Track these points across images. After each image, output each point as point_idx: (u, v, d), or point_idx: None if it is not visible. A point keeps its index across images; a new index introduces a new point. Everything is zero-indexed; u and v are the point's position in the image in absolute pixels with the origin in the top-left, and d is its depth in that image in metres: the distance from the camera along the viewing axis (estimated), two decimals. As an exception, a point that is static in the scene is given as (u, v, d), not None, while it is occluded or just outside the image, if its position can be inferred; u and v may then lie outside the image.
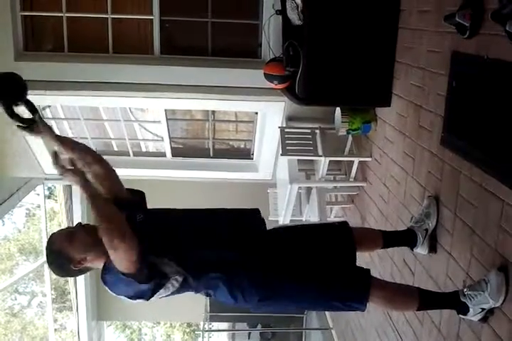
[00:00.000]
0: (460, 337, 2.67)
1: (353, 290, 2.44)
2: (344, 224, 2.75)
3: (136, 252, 2.13)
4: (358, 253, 2.64)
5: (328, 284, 2.43)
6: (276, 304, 2.45)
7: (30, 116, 2.24)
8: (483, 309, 2.37)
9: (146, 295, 2.24)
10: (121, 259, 2.13)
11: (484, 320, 2.41)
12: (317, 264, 2.48)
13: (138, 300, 2.28)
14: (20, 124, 2.23)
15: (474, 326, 2.51)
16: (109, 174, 2.45)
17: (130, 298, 2.26)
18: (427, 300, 2.55)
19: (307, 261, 2.48)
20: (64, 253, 2.25)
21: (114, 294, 2.28)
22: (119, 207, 2.22)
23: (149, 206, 2.62)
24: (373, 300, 2.44)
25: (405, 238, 2.99)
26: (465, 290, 2.44)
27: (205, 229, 2.45)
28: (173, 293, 2.34)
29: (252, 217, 2.60)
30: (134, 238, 2.13)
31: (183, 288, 2.33)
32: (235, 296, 2.37)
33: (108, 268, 2.22)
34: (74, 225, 2.39)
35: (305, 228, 2.81)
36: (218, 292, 2.38)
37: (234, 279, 2.34)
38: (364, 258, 4.26)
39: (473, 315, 2.41)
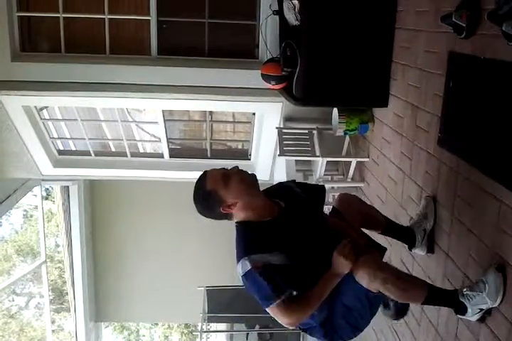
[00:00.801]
0: (458, 338, 2.66)
1: None
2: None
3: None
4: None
5: None
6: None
7: None
8: (481, 309, 2.36)
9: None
10: (274, 316, 2.21)
11: (482, 320, 2.41)
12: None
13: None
14: None
15: (472, 326, 2.51)
16: None
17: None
18: (433, 295, 2.46)
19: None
20: (217, 193, 2.21)
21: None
22: None
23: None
24: (386, 286, 2.29)
25: (405, 234, 2.98)
26: (464, 290, 2.43)
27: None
28: None
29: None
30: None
31: None
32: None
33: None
34: (229, 168, 2.31)
35: None
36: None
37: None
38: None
39: (471, 316, 2.41)
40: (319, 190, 2.61)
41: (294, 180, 2.64)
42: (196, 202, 2.28)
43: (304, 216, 2.37)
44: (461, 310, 2.42)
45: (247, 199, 2.24)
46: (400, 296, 2.43)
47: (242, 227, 2.29)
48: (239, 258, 2.20)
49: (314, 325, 2.39)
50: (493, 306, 2.31)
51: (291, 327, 2.25)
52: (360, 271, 2.26)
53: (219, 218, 2.31)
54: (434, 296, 2.50)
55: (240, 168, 2.33)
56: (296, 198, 2.45)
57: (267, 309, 2.19)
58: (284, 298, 2.16)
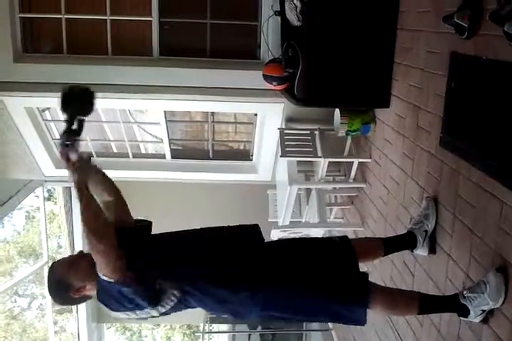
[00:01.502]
0: (460, 338, 2.66)
1: (354, 291, 2.43)
2: (344, 238, 2.74)
3: (114, 255, 2.16)
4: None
5: (328, 289, 2.43)
6: (277, 312, 2.43)
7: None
8: (483, 311, 2.36)
9: (145, 301, 2.23)
10: (103, 263, 2.17)
11: (485, 321, 2.41)
12: (316, 272, 2.47)
13: (139, 312, 2.27)
14: (67, 135, 2.27)
15: (474, 327, 2.51)
16: (120, 204, 2.55)
17: (130, 309, 2.26)
18: (427, 304, 2.54)
19: (307, 270, 2.47)
20: (64, 280, 2.29)
21: (115, 311, 2.29)
22: (122, 232, 2.28)
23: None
24: (374, 305, 2.43)
25: (405, 242, 2.98)
26: (465, 292, 2.43)
27: (207, 246, 2.46)
28: (173, 309, 2.33)
29: (252, 233, 2.60)
30: (113, 241, 2.17)
31: (182, 303, 2.33)
32: (235, 311, 2.39)
33: (100, 285, 2.25)
34: (75, 254, 2.43)
35: (304, 240, 2.81)
36: (215, 306, 2.39)
37: (238, 292, 2.34)
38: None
39: (474, 317, 2.41)
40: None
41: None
42: (50, 293, 2.40)
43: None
44: (464, 312, 2.43)
45: (95, 279, 2.27)
46: (391, 312, 2.50)
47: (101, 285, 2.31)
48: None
49: None
50: (495, 307, 2.31)
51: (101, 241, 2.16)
52: (378, 302, 2.45)
53: (77, 302, 2.45)
54: (430, 306, 2.57)
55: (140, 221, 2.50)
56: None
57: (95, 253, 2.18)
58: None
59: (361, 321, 2.44)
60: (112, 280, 2.18)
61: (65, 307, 2.49)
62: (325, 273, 2.47)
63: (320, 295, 2.41)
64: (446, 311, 2.65)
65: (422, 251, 2.97)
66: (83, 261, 2.32)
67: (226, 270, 2.36)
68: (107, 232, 2.20)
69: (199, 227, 2.60)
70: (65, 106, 2.29)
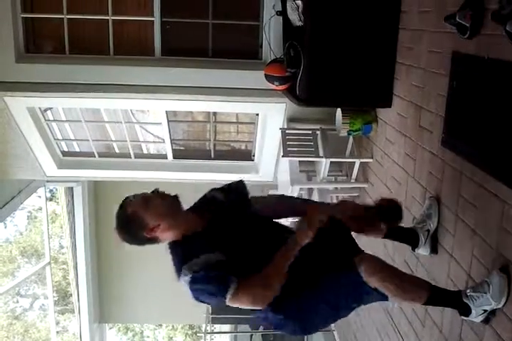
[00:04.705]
0: (462, 339, 2.66)
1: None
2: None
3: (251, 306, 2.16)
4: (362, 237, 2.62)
5: (337, 275, 2.33)
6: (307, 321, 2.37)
7: None
8: (485, 310, 2.36)
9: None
10: (250, 297, 2.13)
11: (486, 321, 2.40)
12: (319, 264, 2.40)
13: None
14: None
15: (476, 327, 2.51)
16: None
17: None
18: (435, 295, 2.46)
19: (312, 267, 2.36)
20: (138, 218, 2.18)
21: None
22: None
23: None
24: (385, 284, 2.30)
25: (408, 236, 2.97)
26: (467, 291, 2.42)
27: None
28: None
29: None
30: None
31: None
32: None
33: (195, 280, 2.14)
34: (150, 192, 2.30)
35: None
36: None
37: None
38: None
39: (476, 317, 2.40)
40: (238, 187, 2.56)
41: (214, 188, 2.59)
42: (118, 229, 2.24)
43: (231, 219, 2.35)
44: (465, 311, 2.42)
45: (169, 220, 2.21)
46: (399, 296, 2.42)
47: (174, 245, 2.27)
48: (178, 272, 2.17)
49: (282, 321, 2.33)
50: (498, 307, 2.31)
51: (263, 306, 2.12)
52: (365, 263, 2.28)
53: (144, 243, 2.29)
54: (437, 297, 2.50)
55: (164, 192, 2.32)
56: (219, 206, 2.44)
57: (229, 303, 2.12)
58: (234, 283, 2.09)
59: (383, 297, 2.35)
60: (227, 296, 2.10)
61: (134, 245, 2.35)
62: (329, 264, 2.37)
63: (333, 285, 2.33)
64: (448, 306, 2.61)
65: (423, 251, 2.97)
66: (159, 199, 2.25)
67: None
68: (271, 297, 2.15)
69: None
70: None
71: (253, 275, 2.14)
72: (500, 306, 2.29)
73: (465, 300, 2.41)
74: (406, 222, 3.45)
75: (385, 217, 2.59)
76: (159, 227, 2.20)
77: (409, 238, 2.97)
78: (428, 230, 2.93)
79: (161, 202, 2.24)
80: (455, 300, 2.47)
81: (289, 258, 2.19)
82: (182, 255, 2.19)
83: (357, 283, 2.30)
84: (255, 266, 2.18)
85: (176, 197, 2.30)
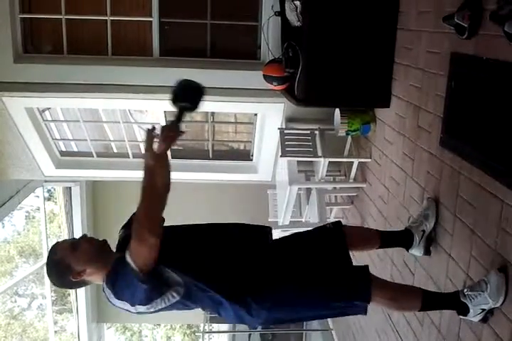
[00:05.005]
0: (460, 338, 2.66)
1: (355, 287, 2.42)
2: (337, 224, 2.72)
3: (157, 251, 2.13)
4: (355, 253, 2.65)
5: (328, 286, 2.42)
6: (279, 314, 2.42)
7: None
8: (483, 310, 2.37)
9: (144, 299, 2.20)
10: (142, 254, 2.12)
11: (484, 320, 2.41)
12: (314, 269, 2.46)
13: (137, 307, 2.24)
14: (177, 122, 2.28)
15: (475, 327, 2.51)
16: None
17: (130, 301, 2.22)
18: (429, 300, 2.54)
19: (304, 268, 2.46)
20: (65, 262, 2.25)
21: (116, 300, 2.25)
22: None
23: None
24: (376, 299, 2.41)
25: (402, 238, 2.98)
26: (465, 290, 2.44)
27: (217, 244, 2.44)
28: (172, 306, 2.28)
29: (261, 236, 2.59)
30: (160, 238, 2.13)
31: (183, 302, 2.29)
32: (239, 314, 2.35)
33: (109, 277, 2.22)
34: (78, 237, 2.38)
35: (298, 236, 2.78)
36: (223, 308, 2.35)
37: (240, 295, 2.32)
38: (363, 259, 4.26)
39: (474, 316, 2.41)
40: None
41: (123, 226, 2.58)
42: (49, 275, 2.33)
43: None
44: (464, 310, 2.44)
45: (96, 265, 2.26)
46: (394, 308, 2.50)
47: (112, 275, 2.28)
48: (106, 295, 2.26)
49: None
50: (495, 306, 2.31)
51: (154, 234, 2.09)
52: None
53: (72, 286, 2.38)
54: (432, 302, 2.57)
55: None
56: None
57: (136, 264, 2.12)
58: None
59: (362, 312, 2.45)
60: (136, 269, 2.12)
61: (62, 289, 2.43)
62: (324, 271, 2.46)
63: (321, 293, 2.41)
64: (446, 308, 2.66)
65: (417, 251, 2.96)
66: (86, 244, 2.29)
67: (237, 274, 2.34)
68: (161, 228, 2.16)
69: (209, 222, 2.57)
70: (183, 96, 2.30)
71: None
72: (498, 305, 2.30)
73: (463, 300, 2.42)
74: (404, 223, 3.46)
75: None
76: (85, 272, 2.26)
77: (403, 239, 2.97)
78: (423, 230, 2.92)
79: (88, 247, 2.29)
80: (451, 302, 2.50)
81: (147, 177, 2.16)
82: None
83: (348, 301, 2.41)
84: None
85: (104, 241, 2.35)
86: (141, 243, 2.10)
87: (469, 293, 2.40)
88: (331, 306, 2.43)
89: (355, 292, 2.41)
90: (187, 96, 2.30)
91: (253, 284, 2.34)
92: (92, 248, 2.28)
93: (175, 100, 2.28)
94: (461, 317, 2.50)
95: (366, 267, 2.50)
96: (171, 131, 2.23)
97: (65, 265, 2.24)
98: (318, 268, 2.47)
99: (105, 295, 2.27)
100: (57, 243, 2.35)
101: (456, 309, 2.50)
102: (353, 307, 2.43)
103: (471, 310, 2.40)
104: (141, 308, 2.25)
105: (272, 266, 2.43)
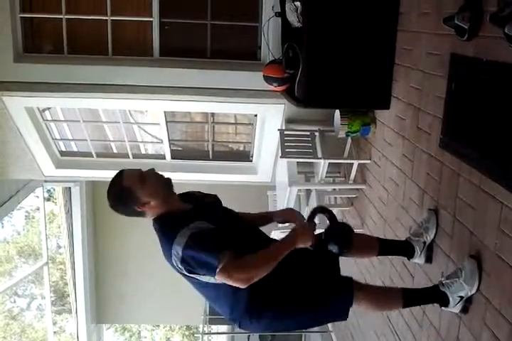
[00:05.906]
0: (459, 339, 2.66)
1: (338, 293, 2.49)
2: None
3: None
4: (355, 259, 2.68)
5: (316, 303, 2.47)
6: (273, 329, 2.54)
7: None
8: (461, 297, 2.47)
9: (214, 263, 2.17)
10: (236, 273, 2.17)
11: (465, 310, 2.51)
12: (302, 280, 2.49)
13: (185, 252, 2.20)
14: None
15: (474, 328, 2.51)
16: None
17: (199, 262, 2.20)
18: (410, 297, 2.65)
19: (294, 279, 2.48)
20: (133, 191, 2.28)
21: (177, 247, 2.20)
22: None
23: None
24: (358, 302, 2.49)
25: (402, 249, 3.00)
26: (443, 279, 2.55)
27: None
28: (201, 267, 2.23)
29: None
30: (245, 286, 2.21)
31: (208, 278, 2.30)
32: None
33: (188, 244, 2.18)
34: (147, 169, 2.42)
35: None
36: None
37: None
38: (363, 261, 4.25)
39: (454, 306, 2.51)
40: (214, 198, 2.72)
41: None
42: (110, 196, 2.35)
43: (214, 213, 2.46)
44: (444, 301, 2.54)
45: (161, 199, 2.33)
46: (377, 309, 2.59)
47: (159, 220, 2.36)
48: (169, 244, 2.22)
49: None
50: (472, 293, 2.43)
51: (245, 285, 2.17)
52: None
53: (131, 215, 2.39)
54: (413, 298, 2.67)
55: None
56: (202, 202, 2.55)
57: (218, 275, 2.16)
58: (227, 254, 2.16)
59: (344, 318, 2.53)
60: (218, 266, 2.15)
61: (119, 213, 2.38)
62: (312, 287, 2.49)
63: (309, 309, 2.46)
64: (429, 302, 2.73)
65: (419, 260, 3.00)
66: (155, 179, 2.36)
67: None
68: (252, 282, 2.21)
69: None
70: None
71: (245, 254, 2.21)
72: (473, 291, 2.42)
73: (442, 289, 2.53)
74: (403, 224, 3.46)
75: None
76: (150, 204, 2.31)
77: (404, 250, 2.99)
78: (424, 242, 2.94)
79: (156, 182, 2.35)
80: (433, 294, 2.60)
81: (283, 250, 2.28)
82: (171, 225, 2.27)
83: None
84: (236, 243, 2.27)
85: (169, 179, 2.41)
86: (244, 274, 2.17)
87: (446, 281, 2.52)
88: (317, 318, 2.54)
89: (338, 298, 2.49)
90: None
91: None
92: (159, 183, 2.35)
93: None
94: (444, 308, 2.58)
95: (350, 278, 2.60)
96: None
97: (131, 194, 2.29)
98: (306, 279, 2.51)
99: (161, 235, 2.30)
100: (127, 170, 2.38)
101: (438, 302, 2.59)
102: (336, 317, 2.56)
103: (450, 300, 2.50)
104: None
105: (275, 284, 2.42)
